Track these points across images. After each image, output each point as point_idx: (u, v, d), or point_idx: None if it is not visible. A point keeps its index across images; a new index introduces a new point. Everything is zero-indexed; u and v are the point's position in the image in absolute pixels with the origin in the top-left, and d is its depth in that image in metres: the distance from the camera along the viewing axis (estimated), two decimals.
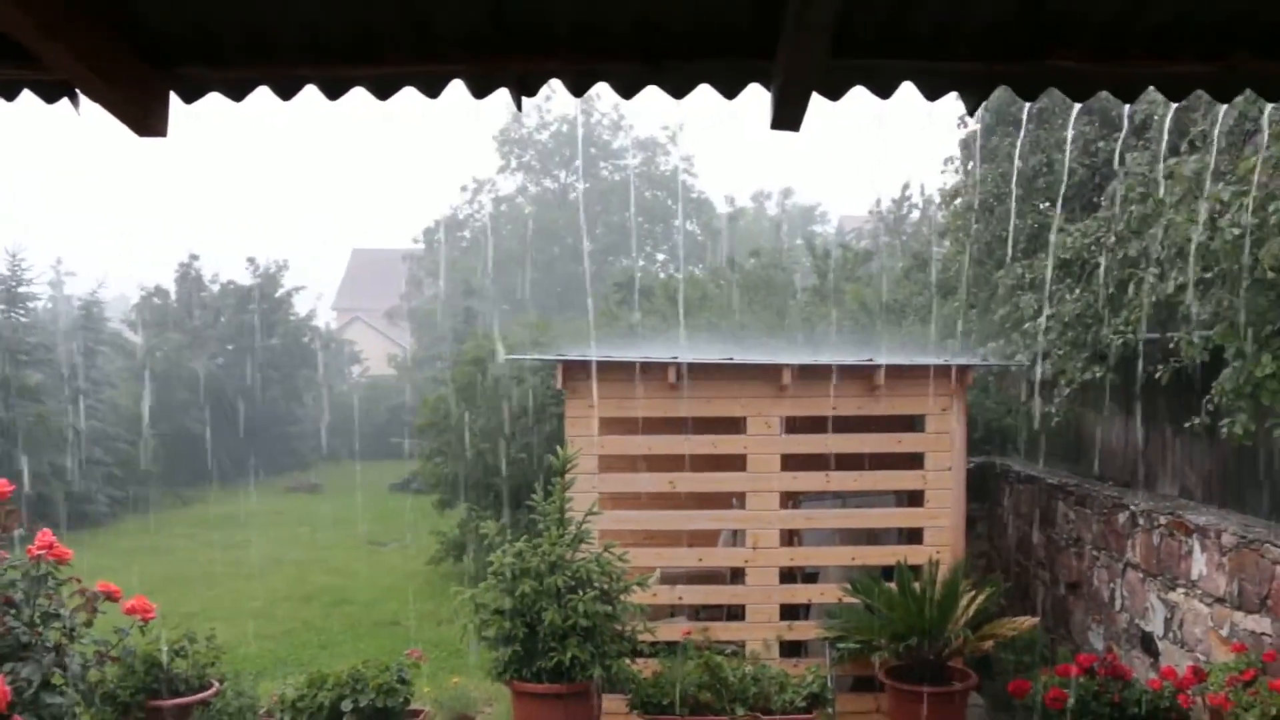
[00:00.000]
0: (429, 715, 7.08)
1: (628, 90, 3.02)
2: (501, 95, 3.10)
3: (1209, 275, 5.93)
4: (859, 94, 2.98)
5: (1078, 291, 8.30)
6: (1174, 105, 6.55)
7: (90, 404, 23.74)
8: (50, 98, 3.27)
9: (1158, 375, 7.06)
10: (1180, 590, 6.76)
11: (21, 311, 24.99)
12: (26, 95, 3.29)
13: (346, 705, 6.40)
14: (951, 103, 3.01)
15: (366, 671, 6.60)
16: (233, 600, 13.22)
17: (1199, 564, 6.54)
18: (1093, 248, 8.23)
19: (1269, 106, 5.35)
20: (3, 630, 5.12)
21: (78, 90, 3.18)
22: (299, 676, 6.87)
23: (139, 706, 6.17)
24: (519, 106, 3.12)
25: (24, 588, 5.29)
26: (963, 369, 8.03)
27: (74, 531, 16.13)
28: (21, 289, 24.90)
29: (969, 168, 12.05)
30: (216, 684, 6.50)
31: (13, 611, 5.23)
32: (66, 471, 19.60)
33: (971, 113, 3.06)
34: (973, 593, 7.48)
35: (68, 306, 27.63)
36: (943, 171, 13.94)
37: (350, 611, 12.75)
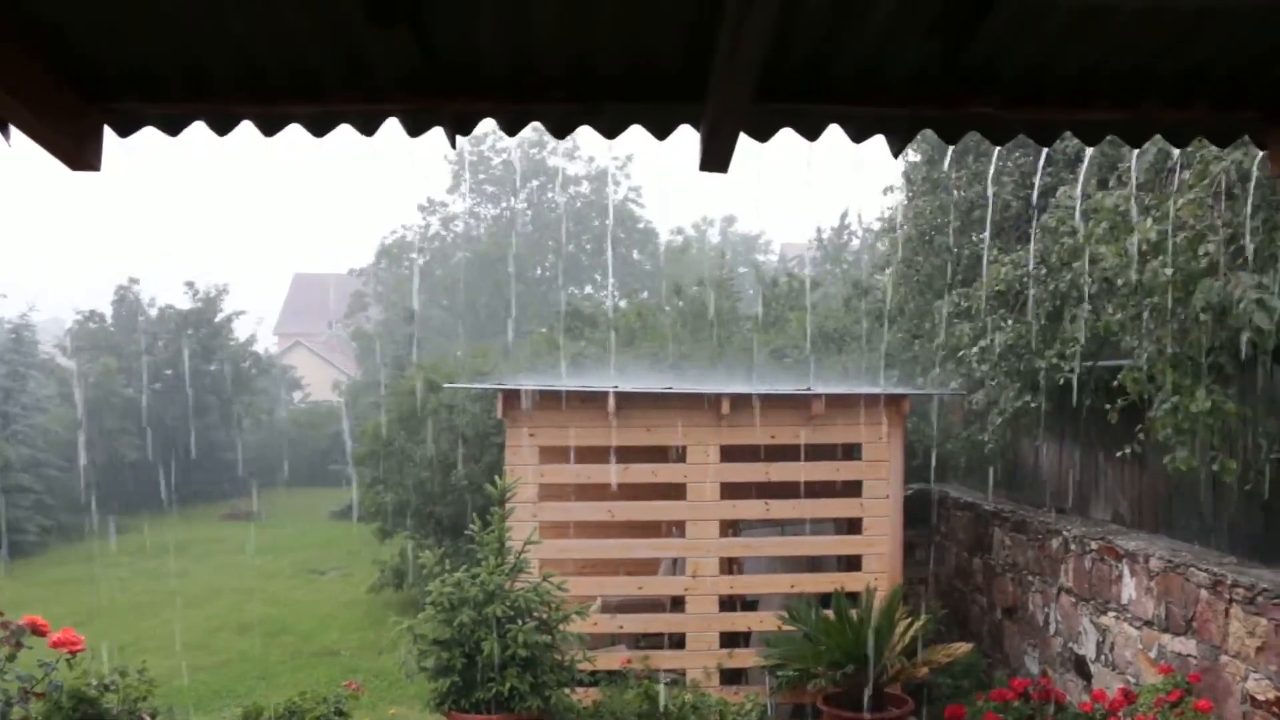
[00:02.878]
0: None
1: (560, 130, 3.06)
2: (437, 132, 3.14)
3: (1142, 311, 6.07)
4: (787, 135, 3.05)
5: (1011, 321, 8.44)
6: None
7: (19, 429, 23.30)
8: None
9: (1095, 407, 7.19)
10: (1112, 614, 6.88)
11: None
12: None
13: None
14: (882, 141, 3.09)
15: (304, 703, 6.53)
16: (167, 631, 13.00)
17: (1129, 588, 6.67)
18: (1024, 279, 8.39)
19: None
20: None
21: (9, 123, 3.16)
22: (234, 709, 6.80)
23: None
24: (453, 145, 3.15)
25: None
26: (900, 398, 8.15)
27: (1, 562, 15.83)
28: None
29: (909, 198, 12.23)
30: (148, 718, 6.39)
31: None
32: None
33: (896, 155, 3.14)
34: (910, 619, 7.56)
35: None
36: (886, 204, 14.11)
37: (288, 641, 12.60)
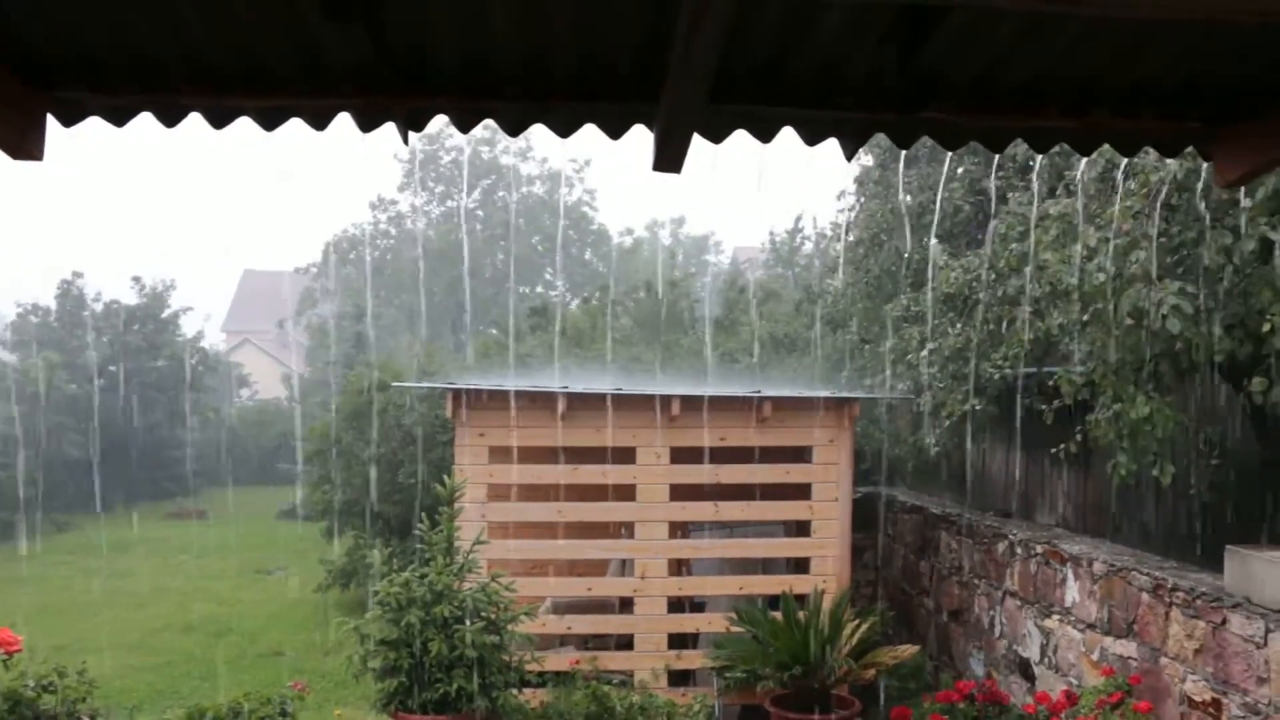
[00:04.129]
0: None
1: (514, 128, 3.05)
2: (389, 128, 3.12)
3: (1085, 317, 6.16)
4: (741, 137, 3.06)
5: (959, 326, 8.53)
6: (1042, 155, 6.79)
7: None
8: None
9: (1041, 412, 7.28)
10: (1055, 617, 6.96)
11: None
12: None
13: None
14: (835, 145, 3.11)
15: (248, 704, 6.47)
16: (109, 631, 12.81)
17: (1072, 591, 6.75)
18: (973, 284, 8.47)
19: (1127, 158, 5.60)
20: None
21: None
22: (177, 710, 6.71)
23: None
24: (405, 141, 3.13)
25: None
26: (848, 401, 8.20)
27: None
28: None
29: (860, 202, 12.32)
30: (87, 719, 6.30)
31: None
32: None
33: (849, 158, 3.16)
34: (856, 621, 7.62)
35: None
36: (839, 209, 14.21)
37: (233, 642, 12.45)
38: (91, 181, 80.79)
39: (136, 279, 30.19)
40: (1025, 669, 7.39)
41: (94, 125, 3.24)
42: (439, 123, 3.16)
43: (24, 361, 27.01)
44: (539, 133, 3.10)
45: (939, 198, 10.19)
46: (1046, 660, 7.09)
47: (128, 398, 27.35)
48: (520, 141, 45.02)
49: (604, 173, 71.74)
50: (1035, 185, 7.50)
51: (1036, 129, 3.09)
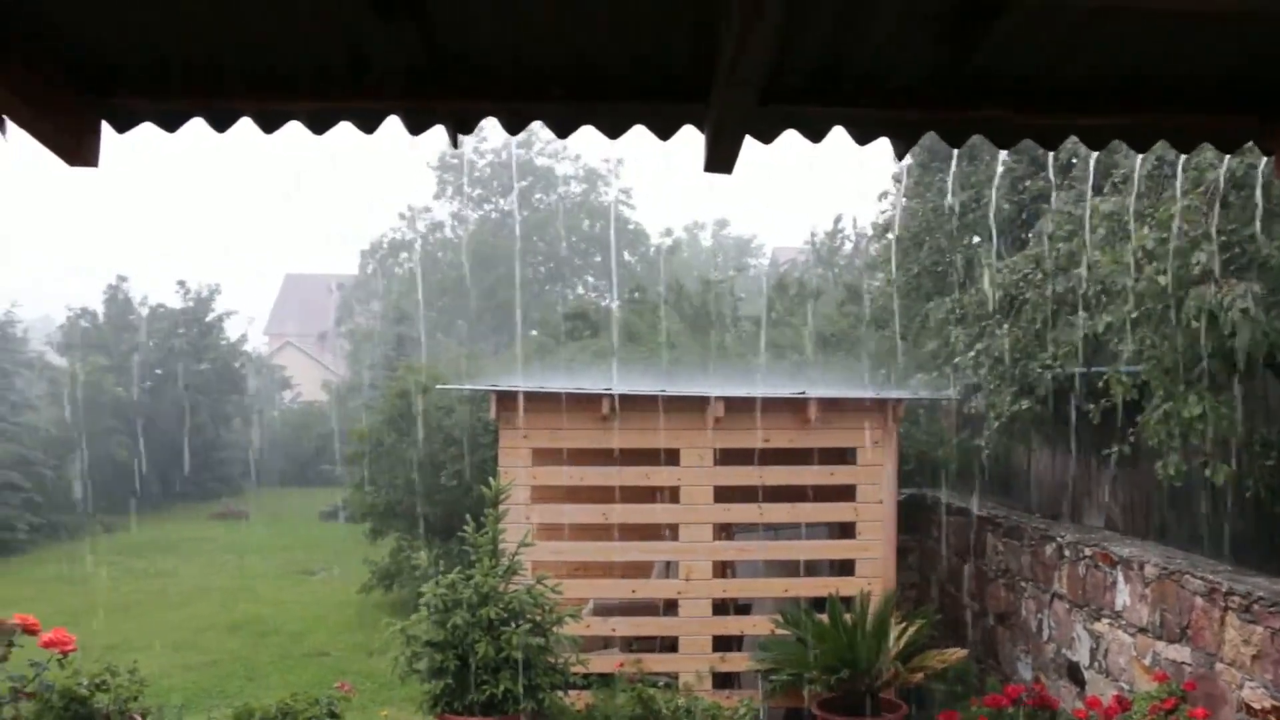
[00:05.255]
0: None
1: (562, 129, 3.04)
2: (438, 130, 3.12)
3: (1135, 315, 6.08)
4: (791, 136, 3.03)
5: (1007, 326, 8.45)
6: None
7: (8, 427, 23.21)
8: None
9: (1088, 411, 7.20)
10: (1105, 620, 6.88)
11: None
12: None
13: None
14: (885, 144, 3.08)
15: (295, 704, 6.51)
16: (157, 631, 12.94)
17: (1123, 595, 6.66)
18: (1021, 284, 8.39)
19: (1184, 155, 5.52)
20: None
21: (5, 118, 3.13)
22: (225, 710, 6.77)
23: None
24: (455, 144, 3.13)
25: None
26: (894, 402, 8.14)
27: None
28: None
29: (900, 202, 12.25)
30: (139, 718, 6.36)
31: None
32: None
33: (900, 157, 3.15)
34: (903, 624, 7.56)
35: None
36: (880, 208, 14.14)
37: (278, 642, 12.54)
38: (137, 187, 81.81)
39: (181, 283, 30.56)
40: (1074, 673, 7.30)
41: (145, 131, 3.28)
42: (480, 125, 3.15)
43: (73, 365, 27.38)
44: (586, 133, 3.08)
45: (992, 196, 10.10)
46: (1096, 664, 7.00)
47: (173, 400, 27.65)
48: (555, 143, 45.17)
49: (640, 173, 71.72)
50: (1092, 176, 7.40)
51: (1091, 126, 3.04)
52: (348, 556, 16.17)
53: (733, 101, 2.65)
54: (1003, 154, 9.93)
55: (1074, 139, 3.12)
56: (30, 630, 5.61)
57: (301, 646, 12.25)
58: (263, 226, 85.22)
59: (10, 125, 3.18)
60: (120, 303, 29.91)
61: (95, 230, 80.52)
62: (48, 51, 2.95)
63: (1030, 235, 9.49)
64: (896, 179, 12.53)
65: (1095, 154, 7.10)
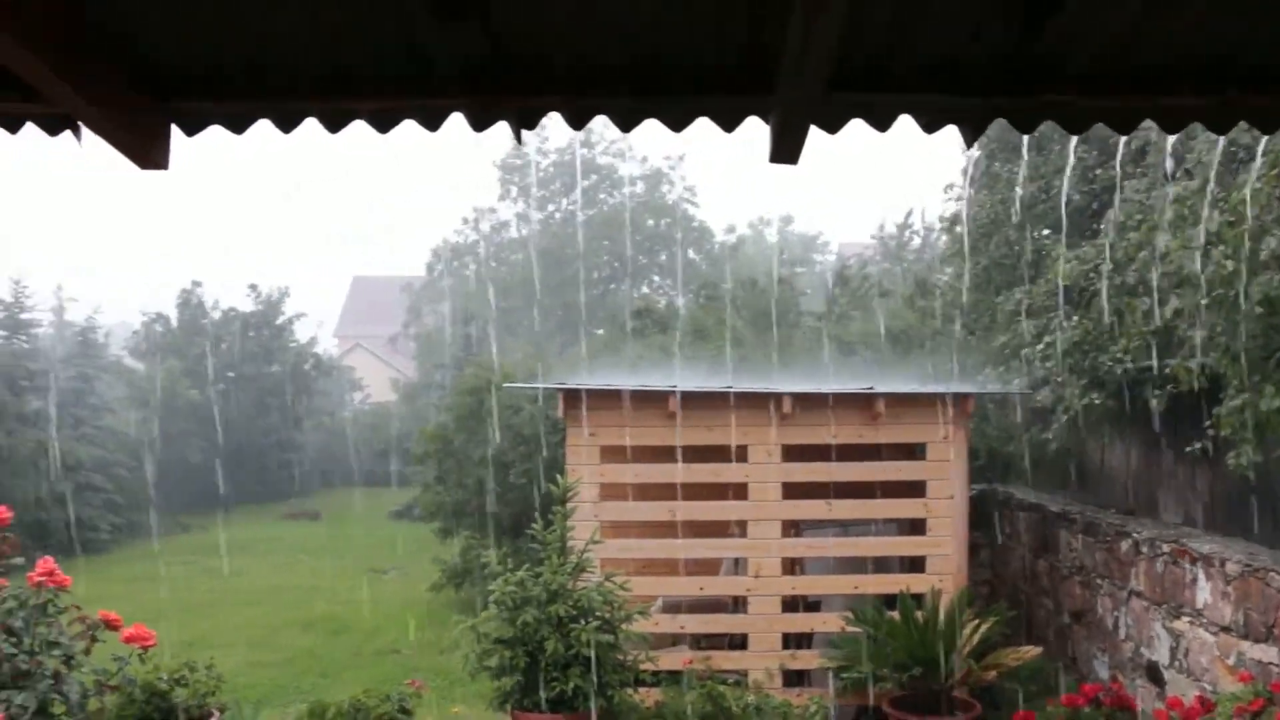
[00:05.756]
0: None
1: (626, 123, 3.03)
2: (501, 127, 3.12)
3: (1206, 302, 5.94)
4: (857, 126, 2.99)
5: (1076, 318, 8.30)
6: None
7: (90, 431, 23.76)
8: (53, 130, 3.28)
9: (1161, 404, 7.06)
10: (1185, 619, 6.73)
11: (23, 338, 25.09)
12: (30, 128, 3.31)
13: None
14: (953, 132, 3.03)
15: (367, 701, 6.57)
16: (232, 628, 13.16)
17: (1204, 592, 6.51)
18: (1091, 274, 8.24)
19: (1263, 139, 5.37)
20: (1, 657, 5.09)
21: (80, 123, 3.19)
22: (299, 706, 6.85)
23: None
24: (519, 139, 3.13)
25: (23, 615, 5.27)
26: (963, 396, 8.04)
27: (74, 559, 16.13)
28: (24, 315, 25.02)
29: (968, 194, 12.10)
30: (217, 713, 6.46)
31: (12, 639, 5.21)
32: (66, 499, 19.55)
33: (969, 145, 3.07)
34: (976, 622, 7.45)
35: (69, 333, 27.70)
36: (946, 200, 13.98)
37: (351, 640, 12.69)
38: (209, 193, 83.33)
39: (253, 287, 31.05)
40: (1154, 673, 7.15)
41: (212, 135, 3.32)
42: (542, 124, 3.15)
43: (149, 369, 27.95)
44: (648, 128, 3.06)
45: (1062, 186, 9.92)
46: (1177, 664, 6.85)
47: (245, 402, 28.12)
48: (619, 141, 45.23)
49: (704, 170, 71.61)
50: (1168, 163, 7.24)
51: (1167, 108, 2.96)
52: (418, 555, 16.32)
53: (797, 91, 2.62)
54: (1073, 143, 9.76)
55: (1149, 123, 3.04)
56: (113, 626, 5.72)
57: (373, 644, 12.38)
58: (330, 229, 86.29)
59: (84, 132, 3.26)
60: (194, 307, 30.46)
61: (169, 236, 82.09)
62: (118, 58, 3.00)
63: (1100, 225, 9.32)
64: (964, 171, 12.37)
65: (1171, 139, 6.95)
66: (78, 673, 5.44)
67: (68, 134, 3.31)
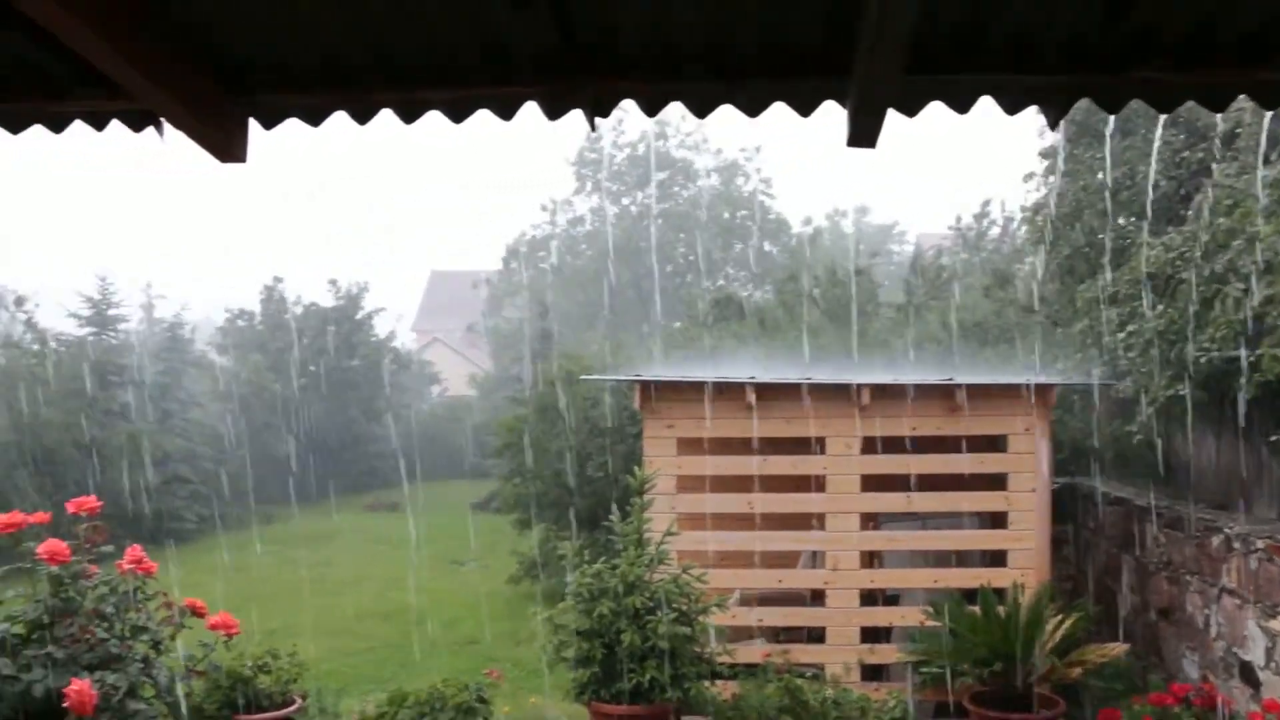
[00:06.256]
0: None
1: (701, 109, 3.00)
2: (575, 116, 3.11)
3: None
4: (936, 109, 2.93)
5: (1161, 307, 8.10)
6: (1269, 114, 6.38)
7: (177, 424, 24.32)
8: (136, 127, 3.34)
9: (1256, 395, 6.85)
10: None
11: (112, 334, 25.75)
12: (114, 125, 3.37)
13: None
14: (1032, 117, 2.95)
15: (446, 690, 6.62)
16: (314, 617, 13.36)
17: None
18: (1177, 262, 8.03)
19: None
20: (95, 642, 5.22)
21: (162, 119, 3.24)
22: (380, 694, 6.92)
23: None
24: (593, 127, 3.12)
25: (114, 601, 5.39)
26: (1045, 387, 7.88)
27: (161, 548, 16.50)
28: (111, 311, 25.66)
29: (1049, 182, 11.87)
30: (299, 700, 6.57)
31: (104, 624, 5.33)
32: (154, 490, 20.02)
33: (1054, 126, 2.99)
34: (1059, 617, 7.31)
35: (156, 329, 28.35)
36: (1025, 189, 13.73)
37: (430, 630, 12.82)
38: (289, 191, 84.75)
39: (333, 282, 31.49)
40: (1247, 673, 6.94)
41: (291, 127, 3.35)
42: (615, 117, 3.13)
43: (233, 364, 28.50)
44: (724, 115, 3.03)
45: (1149, 170, 9.67)
46: (1273, 665, 6.64)
47: (326, 396, 28.54)
48: (695, 134, 45.14)
49: (779, 163, 71.17)
50: (1262, 145, 7.02)
51: (1263, 83, 2.84)
52: (496, 547, 16.44)
53: (875, 72, 2.57)
54: (1159, 127, 9.52)
55: (1244, 99, 2.93)
56: (199, 613, 5.82)
57: (452, 635, 12.51)
58: (407, 225, 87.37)
59: (166, 128, 3.31)
60: (276, 302, 30.98)
61: (250, 233, 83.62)
62: (198, 53, 3.04)
63: (1187, 211, 9.08)
64: (1044, 157, 12.13)
65: (1267, 117, 6.74)
66: (165, 658, 5.55)
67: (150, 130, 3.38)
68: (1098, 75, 2.79)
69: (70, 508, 5.52)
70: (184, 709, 5.80)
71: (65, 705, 4.77)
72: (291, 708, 6.47)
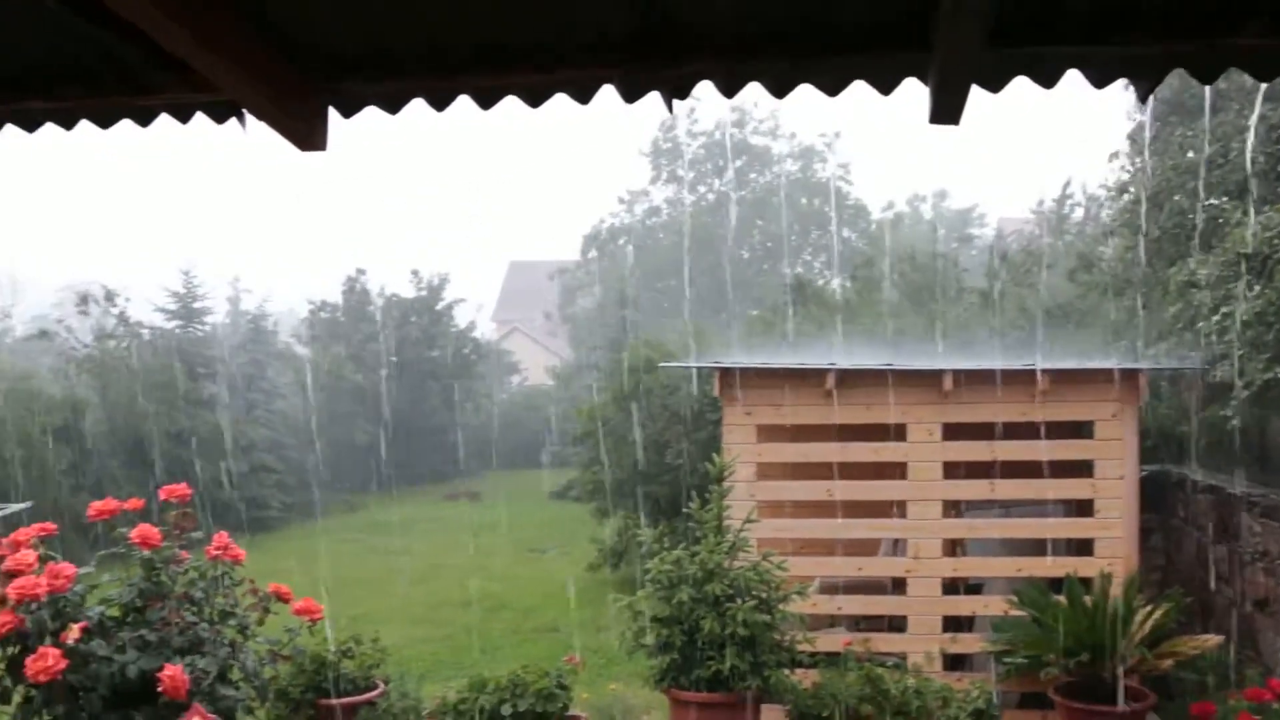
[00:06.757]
0: None
1: (780, 89, 2.95)
2: (651, 101, 3.08)
3: None
4: (1020, 84, 2.85)
5: (1258, 288, 7.86)
6: None
7: (261, 414, 24.81)
8: (220, 119, 3.38)
9: None
10: None
11: (199, 326, 26.32)
12: (198, 117, 3.42)
13: (506, 710, 6.47)
14: (1116, 98, 2.86)
15: (526, 676, 6.66)
16: (396, 604, 13.56)
17: None
18: (1276, 241, 7.79)
19: None
20: (185, 625, 5.34)
21: (244, 110, 3.28)
22: (460, 680, 6.98)
23: (309, 704, 6.37)
24: (670, 109, 3.09)
25: (203, 586, 5.50)
26: (1133, 372, 7.70)
27: (247, 535, 16.82)
28: (196, 305, 26.24)
29: (1137, 161, 11.59)
30: (382, 685, 6.65)
31: (194, 609, 5.45)
32: (240, 478, 20.45)
33: (1144, 99, 2.89)
34: (1149, 608, 7.14)
35: (241, 321, 28.92)
36: (1111, 168, 13.43)
37: (510, 617, 12.94)
38: (370, 183, 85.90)
39: (415, 273, 31.82)
40: None
41: (369, 115, 3.37)
42: (690, 105, 3.10)
43: (316, 354, 28.98)
44: (802, 95, 2.98)
45: (1247, 146, 9.38)
46: None
47: (408, 386, 28.90)
48: (770, 121, 44.90)
49: (857, 148, 70.64)
50: None
51: None
52: (576, 535, 16.54)
53: (957, 46, 2.50)
54: (1258, 101, 9.22)
55: None
56: (283, 599, 5.92)
57: (532, 622, 12.61)
58: (486, 216, 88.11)
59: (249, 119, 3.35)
60: (358, 294, 31.41)
61: (332, 224, 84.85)
62: (279, 43, 3.06)
63: None
64: (1131, 137, 11.85)
65: None
66: (252, 642, 5.65)
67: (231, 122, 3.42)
68: (1191, 43, 2.68)
69: (161, 495, 5.65)
70: (270, 694, 5.92)
71: (159, 690, 4.89)
72: (374, 693, 6.56)
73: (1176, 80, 10.46)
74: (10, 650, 4.98)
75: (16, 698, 5.00)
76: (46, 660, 4.74)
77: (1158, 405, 9.98)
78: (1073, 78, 2.84)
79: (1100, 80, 2.80)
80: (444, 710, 6.69)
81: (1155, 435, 9.69)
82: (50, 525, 5.47)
